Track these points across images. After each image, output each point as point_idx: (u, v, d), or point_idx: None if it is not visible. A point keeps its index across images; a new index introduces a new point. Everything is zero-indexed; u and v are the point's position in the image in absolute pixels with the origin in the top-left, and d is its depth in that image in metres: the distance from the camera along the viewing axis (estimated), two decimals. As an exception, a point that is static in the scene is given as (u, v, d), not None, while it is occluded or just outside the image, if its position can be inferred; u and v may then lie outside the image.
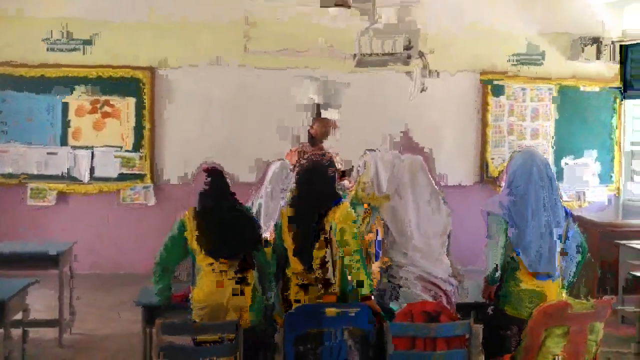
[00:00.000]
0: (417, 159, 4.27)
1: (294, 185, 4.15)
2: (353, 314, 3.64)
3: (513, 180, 3.93)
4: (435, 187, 4.21)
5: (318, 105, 6.50)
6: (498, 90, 8.69)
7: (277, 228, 4.06)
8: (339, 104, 6.68)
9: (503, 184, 4.01)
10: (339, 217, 3.82)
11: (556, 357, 3.24)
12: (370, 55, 5.30)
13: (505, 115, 8.71)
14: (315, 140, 6.13)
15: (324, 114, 6.41)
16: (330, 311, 3.63)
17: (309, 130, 6.29)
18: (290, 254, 3.92)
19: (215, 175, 3.98)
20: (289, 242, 3.93)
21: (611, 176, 8.92)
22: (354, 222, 3.89)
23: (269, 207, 5.09)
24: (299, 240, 3.88)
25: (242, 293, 3.76)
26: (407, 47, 5.27)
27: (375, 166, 4.28)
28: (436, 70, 5.96)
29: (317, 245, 3.84)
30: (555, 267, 3.80)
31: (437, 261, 4.00)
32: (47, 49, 7.94)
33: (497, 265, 3.83)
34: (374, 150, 4.79)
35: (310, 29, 8.11)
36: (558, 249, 3.82)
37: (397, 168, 4.19)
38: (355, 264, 3.76)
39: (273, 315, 3.99)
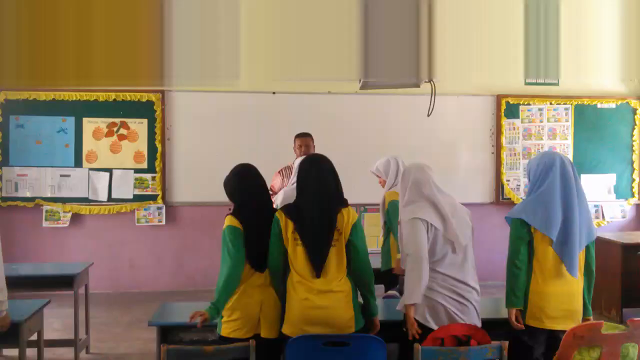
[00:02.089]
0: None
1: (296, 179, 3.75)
2: (360, 347, 3.37)
3: (534, 177, 3.82)
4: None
5: None
6: (513, 112, 8.66)
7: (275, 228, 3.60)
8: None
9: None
10: (351, 223, 3.54)
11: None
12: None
13: (520, 137, 8.69)
14: None
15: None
16: (332, 343, 3.37)
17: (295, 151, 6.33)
18: (296, 257, 3.55)
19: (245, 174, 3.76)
20: (291, 246, 3.55)
21: (633, 191, 8.86)
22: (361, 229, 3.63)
23: None
24: (311, 239, 3.52)
25: (270, 301, 3.58)
26: (415, 72, 5.17)
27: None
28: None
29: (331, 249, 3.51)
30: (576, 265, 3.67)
31: (470, 269, 3.74)
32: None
33: (514, 282, 3.71)
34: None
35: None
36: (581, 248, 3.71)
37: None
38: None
39: None
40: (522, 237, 3.70)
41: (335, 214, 3.53)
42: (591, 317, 3.82)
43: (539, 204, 3.71)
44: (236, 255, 3.52)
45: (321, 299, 3.46)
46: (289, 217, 3.56)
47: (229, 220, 3.59)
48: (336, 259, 3.53)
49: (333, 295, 3.48)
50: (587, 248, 3.77)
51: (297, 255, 3.52)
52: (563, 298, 3.67)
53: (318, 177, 3.61)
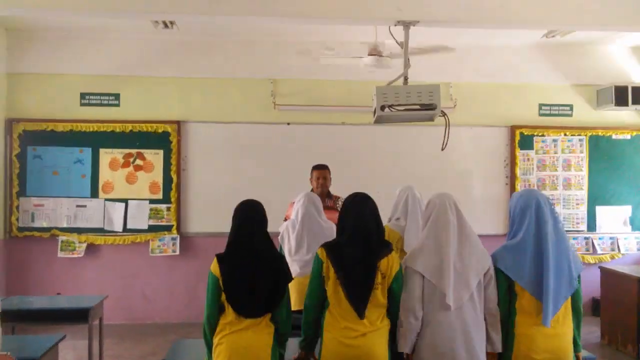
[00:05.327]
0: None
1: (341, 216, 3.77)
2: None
3: (512, 220, 3.79)
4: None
5: None
6: (527, 143, 8.67)
7: (317, 266, 3.64)
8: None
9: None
10: (395, 270, 3.59)
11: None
12: (390, 111, 5.19)
13: (534, 169, 8.68)
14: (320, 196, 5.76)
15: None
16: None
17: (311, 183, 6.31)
18: (338, 297, 3.56)
19: (248, 212, 3.76)
20: (332, 285, 3.57)
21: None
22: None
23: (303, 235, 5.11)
24: (353, 286, 3.53)
25: (261, 345, 3.50)
26: (429, 107, 5.17)
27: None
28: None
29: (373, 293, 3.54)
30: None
31: (478, 324, 3.63)
32: (81, 104, 8.15)
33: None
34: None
35: (334, 84, 8.37)
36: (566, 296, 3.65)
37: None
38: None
39: None
40: (500, 284, 3.67)
41: (378, 260, 3.57)
42: (581, 353, 3.78)
43: (513, 252, 3.68)
44: (209, 303, 3.57)
45: (360, 338, 3.50)
46: (332, 258, 3.59)
47: (213, 266, 3.60)
48: (378, 301, 3.56)
49: (371, 334, 3.52)
50: None
51: (340, 296, 3.55)
52: (550, 339, 3.61)
53: (360, 217, 3.66)
